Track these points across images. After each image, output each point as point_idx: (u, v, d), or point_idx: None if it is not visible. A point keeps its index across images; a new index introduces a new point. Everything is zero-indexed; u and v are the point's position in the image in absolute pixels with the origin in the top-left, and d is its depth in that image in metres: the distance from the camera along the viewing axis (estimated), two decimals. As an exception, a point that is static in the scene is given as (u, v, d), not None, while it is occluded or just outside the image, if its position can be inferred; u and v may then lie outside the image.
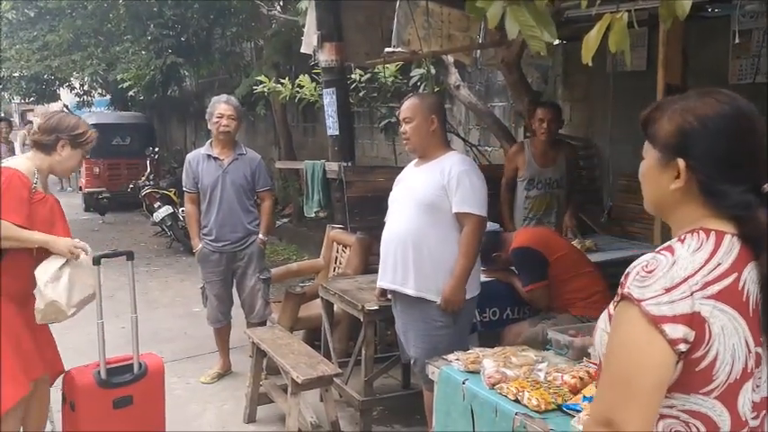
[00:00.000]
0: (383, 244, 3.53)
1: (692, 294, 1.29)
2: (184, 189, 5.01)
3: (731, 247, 1.35)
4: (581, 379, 2.54)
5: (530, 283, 3.84)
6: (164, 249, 10.01)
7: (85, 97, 18.87)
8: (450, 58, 6.19)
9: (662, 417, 1.35)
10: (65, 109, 24.16)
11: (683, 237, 1.37)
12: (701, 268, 1.31)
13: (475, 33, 5.41)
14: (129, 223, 12.36)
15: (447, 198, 3.33)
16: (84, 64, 12.52)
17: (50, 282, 3.07)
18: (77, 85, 18.49)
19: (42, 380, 3.32)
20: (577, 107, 6.28)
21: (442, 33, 5.25)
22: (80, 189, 14.80)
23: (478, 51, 5.80)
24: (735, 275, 1.33)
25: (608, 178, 5.59)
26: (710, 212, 1.39)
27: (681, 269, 1.31)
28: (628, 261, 4.44)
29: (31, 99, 24.09)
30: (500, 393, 2.58)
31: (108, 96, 19.57)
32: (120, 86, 14.35)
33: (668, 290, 1.29)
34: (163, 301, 7.21)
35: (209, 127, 4.87)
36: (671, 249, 1.35)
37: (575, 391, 2.51)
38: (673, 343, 1.28)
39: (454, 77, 6.30)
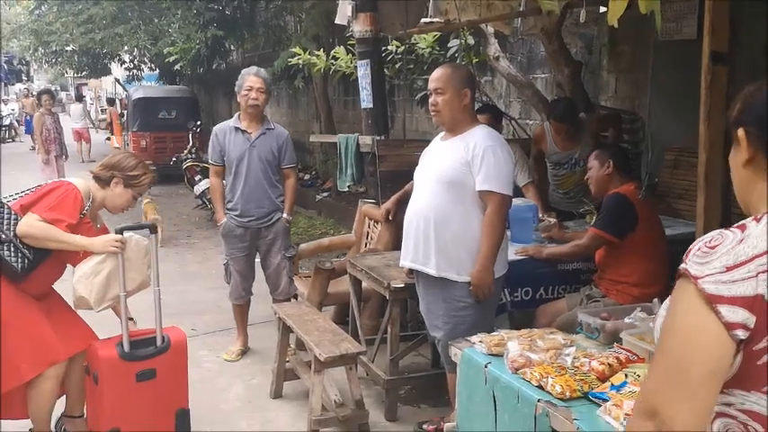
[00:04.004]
0: (406, 221, 3.41)
1: (757, 275, 1.15)
2: (210, 162, 4.92)
3: None
4: (609, 366, 2.41)
5: (603, 228, 3.61)
6: (204, 222, 10.09)
7: (135, 71, 19.07)
8: (490, 28, 5.98)
9: (718, 415, 1.22)
10: (116, 83, 24.66)
11: (759, 216, 1.23)
12: None
13: (516, 1, 5.20)
14: (174, 196, 12.48)
15: (471, 175, 3.18)
16: (129, 37, 12.60)
17: (84, 278, 3.20)
18: (127, 59, 18.70)
19: (75, 360, 3.37)
20: (623, 79, 6.00)
21: (482, 2, 5.04)
22: (127, 162, 15.00)
23: (519, 20, 5.57)
24: None
25: (647, 153, 5.33)
26: None
27: (749, 247, 1.17)
28: (674, 240, 4.13)
29: (84, 73, 24.62)
30: (523, 379, 2.46)
31: (157, 70, 19.79)
32: (166, 60, 14.46)
33: (730, 268, 1.16)
34: (200, 274, 7.26)
35: (238, 99, 4.76)
36: (743, 227, 1.22)
37: (603, 378, 2.38)
38: (729, 327, 1.14)
39: (494, 48, 6.09)
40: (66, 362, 3.30)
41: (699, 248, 1.21)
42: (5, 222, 3.14)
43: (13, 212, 3.18)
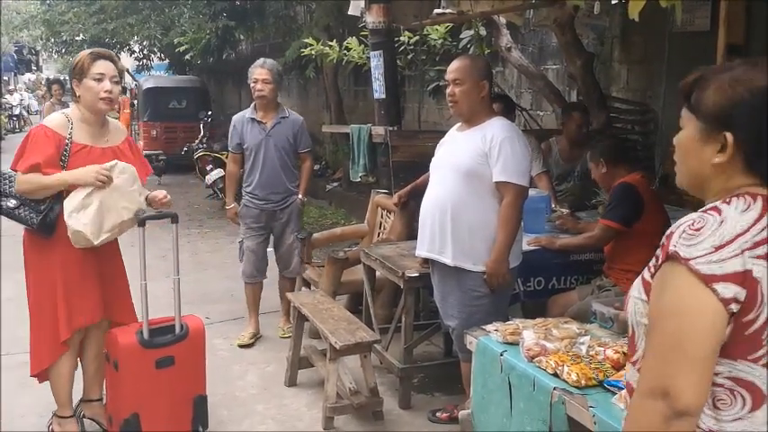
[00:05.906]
0: (422, 211, 3.44)
1: (742, 252, 1.24)
2: (229, 150, 5.19)
3: None
4: (624, 354, 2.44)
5: (611, 218, 3.65)
6: (216, 211, 10.13)
7: (145, 61, 19.10)
8: (501, 20, 5.99)
9: None
10: (126, 72, 24.62)
11: (728, 199, 1.32)
12: (750, 227, 1.26)
13: (528, -8, 5.20)
14: (185, 185, 12.53)
15: (488, 166, 3.21)
16: (141, 27, 12.63)
17: (75, 211, 3.15)
18: (137, 49, 18.72)
19: (90, 336, 3.49)
20: (635, 70, 6.00)
21: (494, -7, 5.05)
22: (138, 152, 15.06)
23: (531, 11, 5.57)
24: None
25: (660, 145, 5.34)
26: (753, 182, 1.33)
27: (730, 227, 1.26)
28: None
29: (94, 63, 24.64)
30: (539, 367, 2.50)
31: (167, 60, 19.81)
32: (177, 50, 14.47)
33: (718, 248, 1.24)
34: (212, 263, 7.32)
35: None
36: (717, 210, 1.30)
37: (617, 366, 2.41)
38: (725, 302, 1.23)
39: (506, 39, 6.10)
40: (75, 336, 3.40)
41: (683, 231, 1.29)
42: (11, 187, 3.27)
43: (13, 176, 3.29)
